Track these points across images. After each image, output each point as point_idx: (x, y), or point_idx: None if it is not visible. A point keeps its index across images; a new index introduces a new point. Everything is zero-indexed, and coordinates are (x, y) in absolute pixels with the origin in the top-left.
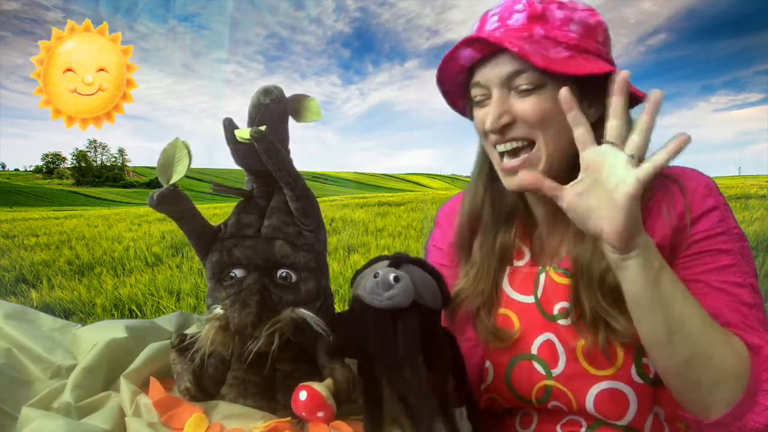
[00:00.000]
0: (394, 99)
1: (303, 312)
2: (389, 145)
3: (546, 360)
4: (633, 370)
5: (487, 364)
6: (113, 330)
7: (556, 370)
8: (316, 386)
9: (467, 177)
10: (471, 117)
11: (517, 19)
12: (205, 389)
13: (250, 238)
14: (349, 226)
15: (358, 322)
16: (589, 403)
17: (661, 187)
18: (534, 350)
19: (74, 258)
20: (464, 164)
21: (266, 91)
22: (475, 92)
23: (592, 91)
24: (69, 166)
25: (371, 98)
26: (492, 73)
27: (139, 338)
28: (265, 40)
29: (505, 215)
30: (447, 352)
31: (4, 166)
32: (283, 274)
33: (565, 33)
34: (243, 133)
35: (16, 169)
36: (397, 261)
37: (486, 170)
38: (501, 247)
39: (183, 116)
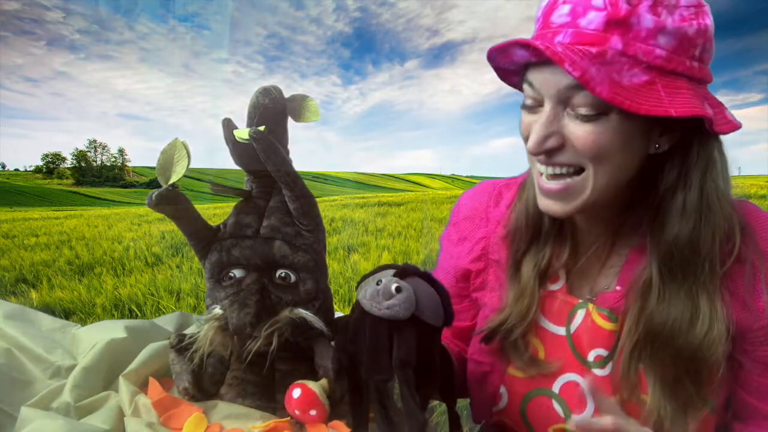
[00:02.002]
0: (394, 99)
1: (302, 312)
2: (389, 145)
3: (568, 403)
4: None
5: (502, 389)
6: (113, 330)
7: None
8: (310, 384)
9: (467, 177)
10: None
11: (592, 20)
12: (204, 389)
13: (249, 238)
14: (349, 226)
15: (355, 326)
16: None
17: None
18: (556, 388)
19: (74, 258)
20: (464, 164)
21: (265, 91)
22: (527, 92)
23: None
24: (69, 166)
25: (371, 98)
26: (549, 80)
27: (139, 338)
28: (265, 40)
29: (558, 228)
30: (439, 372)
31: (4, 166)
32: (282, 275)
33: (651, 48)
34: (242, 133)
35: (16, 169)
36: (403, 272)
37: None
38: (546, 265)
39: (183, 116)
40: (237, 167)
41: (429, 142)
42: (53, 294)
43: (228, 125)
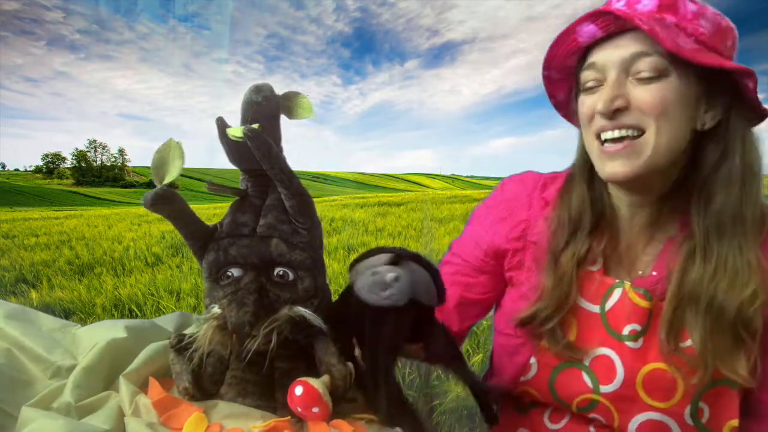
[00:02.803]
0: (394, 99)
1: (301, 310)
2: (389, 145)
3: (598, 375)
4: (687, 410)
5: (533, 360)
6: (113, 330)
7: (607, 388)
8: (313, 382)
9: (467, 177)
10: (565, 112)
11: (646, 4)
12: (204, 389)
13: (246, 237)
14: (349, 226)
15: (356, 313)
16: (632, 428)
17: None
18: (587, 361)
19: (74, 258)
20: (464, 164)
21: (257, 89)
22: (588, 76)
23: (713, 92)
24: (69, 166)
25: (371, 98)
26: (613, 54)
27: (139, 338)
28: (265, 40)
29: (597, 220)
30: (442, 343)
31: (4, 166)
32: (280, 273)
33: (696, 26)
34: (235, 131)
35: (16, 169)
36: (398, 258)
37: (587, 170)
38: (584, 254)
39: (183, 116)
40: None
41: (429, 142)
42: (53, 294)
43: (221, 124)
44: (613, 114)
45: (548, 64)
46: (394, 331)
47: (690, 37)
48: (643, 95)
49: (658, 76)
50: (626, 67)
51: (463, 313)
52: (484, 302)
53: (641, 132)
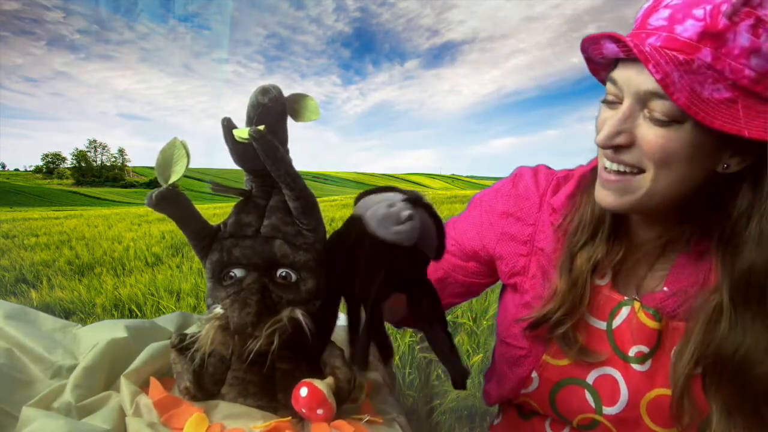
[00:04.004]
0: (394, 99)
1: (299, 314)
2: (389, 145)
3: (601, 395)
4: None
5: (534, 374)
6: (113, 330)
7: (611, 410)
8: (317, 383)
9: (467, 177)
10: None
11: (688, 27)
12: (206, 389)
13: (250, 237)
14: None
15: (353, 244)
16: None
17: None
18: (590, 379)
19: (74, 258)
20: (464, 164)
21: (264, 91)
22: (609, 88)
23: (740, 137)
24: (69, 166)
25: (371, 98)
26: (632, 79)
27: (139, 338)
28: (265, 40)
29: (616, 227)
30: (427, 301)
31: (4, 166)
32: (283, 274)
33: (740, 66)
34: (241, 132)
35: (16, 169)
36: (413, 199)
37: None
38: (599, 259)
39: (183, 116)
40: (237, 167)
41: (429, 142)
42: (53, 294)
43: (227, 125)
44: (615, 149)
45: (583, 51)
46: (387, 271)
47: (725, 82)
48: (649, 137)
49: (670, 121)
50: (642, 100)
51: (445, 290)
52: (468, 285)
53: (641, 170)
